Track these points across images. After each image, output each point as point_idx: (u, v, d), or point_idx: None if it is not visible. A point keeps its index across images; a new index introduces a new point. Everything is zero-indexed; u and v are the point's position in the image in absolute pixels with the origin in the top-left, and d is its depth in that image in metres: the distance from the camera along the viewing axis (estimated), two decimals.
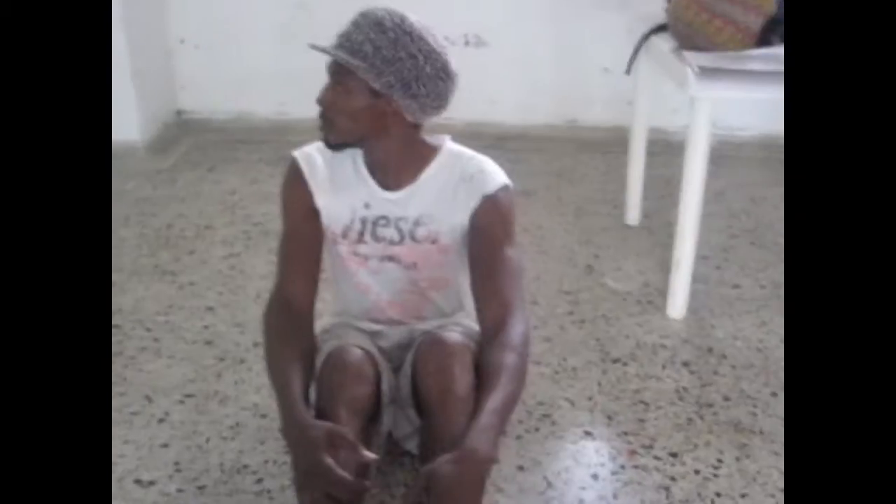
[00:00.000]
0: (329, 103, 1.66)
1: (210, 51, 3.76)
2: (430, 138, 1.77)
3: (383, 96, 1.62)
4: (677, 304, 2.46)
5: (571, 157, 3.55)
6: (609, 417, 2.09)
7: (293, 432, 1.55)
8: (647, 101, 2.88)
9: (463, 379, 1.61)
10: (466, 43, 3.63)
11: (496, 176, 1.75)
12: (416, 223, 1.76)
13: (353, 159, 1.77)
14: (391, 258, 1.79)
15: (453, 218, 1.74)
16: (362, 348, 1.72)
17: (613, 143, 3.62)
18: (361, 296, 1.85)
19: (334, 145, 1.71)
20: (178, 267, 2.77)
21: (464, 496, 1.45)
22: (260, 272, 2.72)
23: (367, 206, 1.76)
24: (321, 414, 1.61)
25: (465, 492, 1.45)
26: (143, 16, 3.52)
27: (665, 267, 2.68)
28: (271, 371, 1.69)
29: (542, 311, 2.50)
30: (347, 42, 1.59)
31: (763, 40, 2.19)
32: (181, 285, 2.67)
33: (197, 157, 3.58)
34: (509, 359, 1.59)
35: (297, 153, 1.79)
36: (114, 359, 2.30)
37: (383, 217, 1.77)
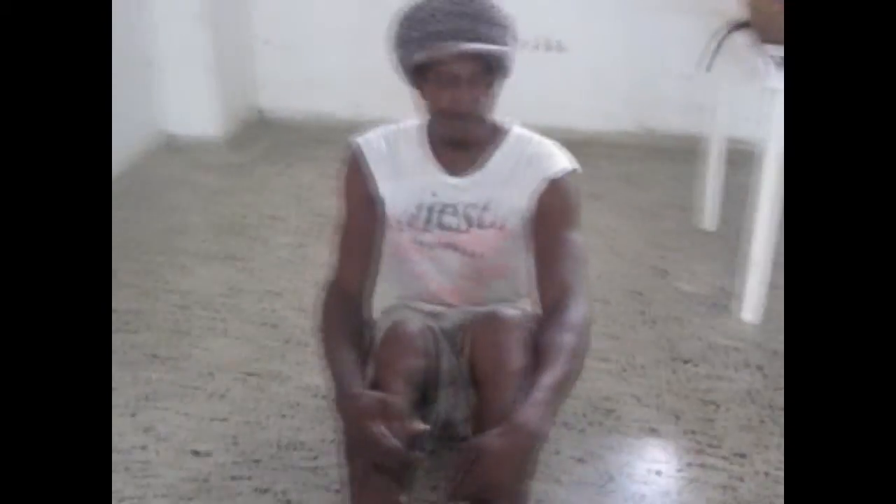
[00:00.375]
0: (477, 105, 1.63)
1: (290, 51, 3.82)
2: (499, 120, 1.75)
3: (506, 70, 1.64)
4: (751, 306, 2.37)
5: (641, 163, 3.48)
6: (676, 416, 2.01)
7: (344, 402, 1.53)
8: (726, 104, 2.80)
9: (516, 354, 1.58)
10: (537, 47, 3.60)
11: (561, 159, 1.72)
12: (485, 209, 1.73)
13: (415, 144, 1.75)
14: (454, 247, 1.76)
15: (517, 201, 1.71)
16: (420, 327, 1.69)
17: (685, 150, 3.52)
18: (419, 282, 1.82)
19: (470, 140, 1.70)
20: (245, 253, 2.79)
21: (510, 470, 1.41)
22: (325, 260, 2.70)
23: (433, 194, 1.74)
24: (376, 386, 1.58)
25: (511, 466, 1.41)
26: (227, 15, 3.59)
27: (740, 272, 2.59)
28: (325, 349, 1.68)
29: (611, 310, 2.44)
30: (476, 32, 1.55)
31: None
32: (247, 270, 2.68)
33: (274, 154, 3.62)
34: (567, 338, 1.55)
35: (360, 139, 1.77)
36: (175, 337, 2.33)
37: (450, 205, 1.74)
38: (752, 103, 2.56)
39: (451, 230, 1.75)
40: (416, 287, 1.83)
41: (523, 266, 1.80)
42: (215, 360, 2.23)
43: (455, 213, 1.74)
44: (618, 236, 2.89)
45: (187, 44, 3.47)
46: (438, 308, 1.81)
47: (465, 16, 1.56)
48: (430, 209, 1.75)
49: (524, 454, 1.43)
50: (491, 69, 1.60)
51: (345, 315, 1.72)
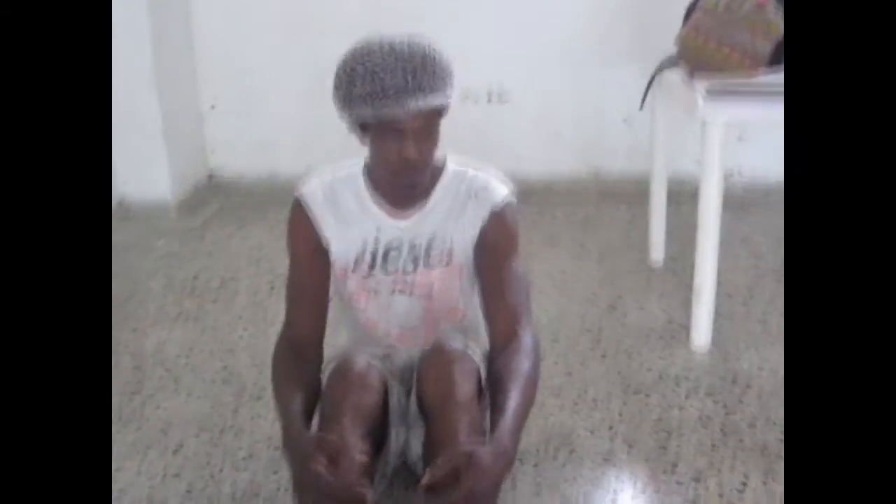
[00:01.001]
0: (427, 155, 1.64)
1: (239, 115, 3.87)
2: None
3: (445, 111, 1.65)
4: (700, 335, 2.41)
5: (595, 207, 3.55)
6: (630, 445, 2.03)
7: (288, 445, 1.57)
8: (665, 143, 2.88)
9: (464, 385, 1.60)
10: (489, 100, 3.68)
11: (500, 189, 1.76)
12: (430, 246, 1.75)
13: (354, 191, 1.76)
14: (402, 290, 1.78)
15: (464, 234, 1.74)
16: (370, 364, 1.71)
17: (636, 193, 3.59)
18: (368, 329, 1.84)
19: (419, 189, 1.72)
20: (201, 314, 2.79)
21: (491, 491, 1.45)
22: (282, 318, 2.72)
23: (377, 238, 1.76)
24: (326, 423, 1.59)
25: (493, 486, 1.45)
26: (174, 80, 3.64)
27: (689, 305, 2.64)
28: (275, 396, 1.72)
29: (562, 348, 2.46)
30: (421, 87, 1.55)
31: (773, 63, 2.20)
32: (203, 329, 2.68)
33: (226, 216, 3.64)
34: (524, 364, 1.61)
35: (302, 191, 1.79)
36: (131, 398, 2.31)
37: (395, 247, 1.76)
38: (692, 140, 2.63)
39: (398, 272, 1.77)
40: (366, 333, 1.85)
41: (473, 307, 1.83)
42: (170, 418, 2.21)
43: (400, 254, 1.76)
44: (570, 279, 2.93)
45: (137, 110, 3.51)
46: (386, 350, 1.83)
47: (408, 70, 1.55)
48: (374, 253, 1.77)
49: (502, 479, 1.48)
50: (434, 119, 1.62)
51: (295, 363, 1.75)
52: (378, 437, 1.67)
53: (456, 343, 1.69)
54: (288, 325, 1.83)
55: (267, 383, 2.31)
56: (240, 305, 2.83)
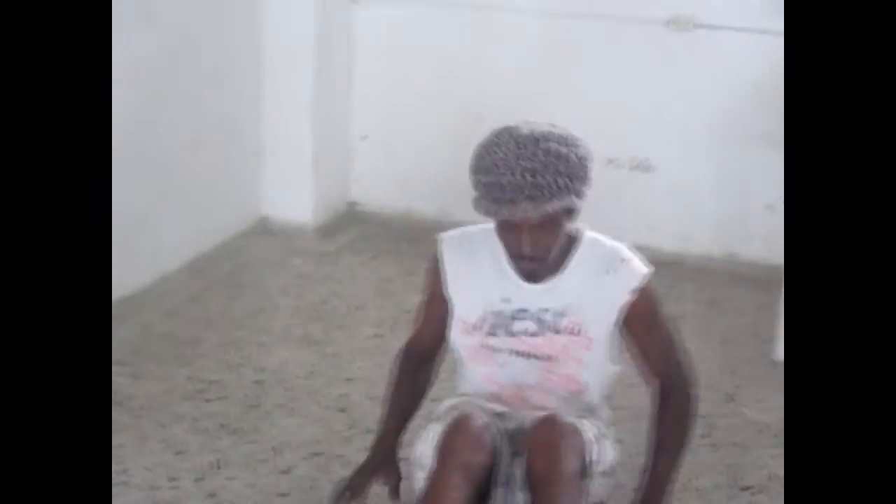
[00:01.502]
0: (543, 247, 1.67)
1: (386, 148, 4.00)
2: (571, 228, 1.79)
3: (578, 208, 1.68)
4: None
5: (725, 289, 3.48)
6: None
7: (376, 446, 1.88)
8: None
9: (570, 458, 1.63)
10: (632, 167, 3.69)
11: (638, 264, 1.79)
12: (561, 314, 1.77)
13: (491, 250, 1.79)
14: (523, 353, 1.80)
15: (600, 309, 1.77)
16: (485, 421, 1.74)
17: (770, 281, 3.53)
18: (483, 384, 1.87)
19: (539, 274, 1.75)
20: (326, 339, 2.89)
21: None
22: None
23: (506, 299, 1.78)
24: (434, 477, 1.64)
25: None
26: (329, 109, 3.81)
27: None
28: (386, 396, 1.95)
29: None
30: (533, 190, 1.57)
31: None
32: (325, 355, 2.78)
33: (361, 245, 3.76)
34: (675, 418, 1.82)
35: (444, 236, 1.86)
36: (248, 411, 2.42)
37: (523, 310, 1.78)
38: None
39: (521, 335, 1.79)
40: (481, 388, 1.88)
41: (597, 386, 1.86)
42: (284, 437, 2.31)
43: (527, 317, 1.78)
44: (692, 360, 2.88)
45: (291, 135, 3.69)
46: (503, 408, 1.86)
47: (528, 170, 1.57)
48: (499, 314, 1.79)
49: None
50: (555, 218, 1.64)
51: (413, 369, 1.92)
52: (481, 496, 1.71)
53: (569, 417, 1.71)
54: (413, 334, 1.97)
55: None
56: (363, 336, 2.92)
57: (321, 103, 3.72)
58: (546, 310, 1.78)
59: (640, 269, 1.78)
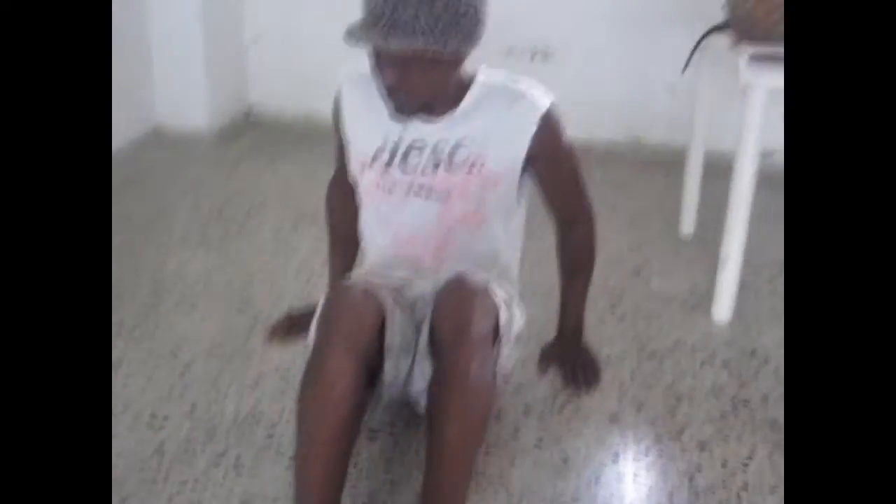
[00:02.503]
0: (397, 82, 1.55)
1: (282, 49, 3.85)
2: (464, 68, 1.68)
3: (456, 57, 1.57)
4: (722, 306, 2.36)
5: (631, 173, 3.49)
6: (638, 408, 2.00)
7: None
8: (707, 114, 2.81)
9: (480, 321, 1.56)
10: (533, 58, 3.62)
11: (543, 95, 1.71)
12: (457, 146, 1.68)
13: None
14: (418, 193, 1.72)
15: (504, 143, 1.68)
16: (367, 290, 1.64)
17: (675, 163, 3.54)
18: (381, 230, 1.81)
19: (413, 113, 1.64)
20: (226, 240, 2.79)
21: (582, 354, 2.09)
22: (305, 250, 2.72)
23: (400, 136, 1.70)
24: (316, 351, 1.57)
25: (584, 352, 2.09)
26: (219, 11, 3.62)
27: (715, 277, 2.59)
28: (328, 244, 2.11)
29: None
30: (394, 23, 1.46)
31: None
32: (226, 255, 2.69)
33: (260, 150, 3.63)
34: (579, 255, 1.97)
35: (341, 79, 1.79)
36: (146, 315, 2.33)
37: (419, 140, 1.69)
38: (733, 115, 2.56)
39: (417, 171, 1.71)
40: (381, 238, 1.82)
41: (502, 225, 1.79)
42: (182, 336, 2.23)
43: (421, 154, 1.70)
44: (599, 240, 2.88)
45: (181, 37, 3.50)
46: (403, 275, 1.79)
47: (399, 3, 1.46)
48: (394, 150, 1.71)
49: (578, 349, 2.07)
50: (416, 57, 1.50)
51: (341, 204, 1.97)
52: (372, 367, 1.64)
53: (478, 277, 1.66)
54: (333, 175, 1.99)
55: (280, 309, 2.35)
56: (263, 237, 2.83)
57: (211, 4, 3.53)
58: (439, 148, 1.69)
59: (544, 98, 1.70)
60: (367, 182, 1.78)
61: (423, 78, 1.56)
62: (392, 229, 1.79)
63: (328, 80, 3.76)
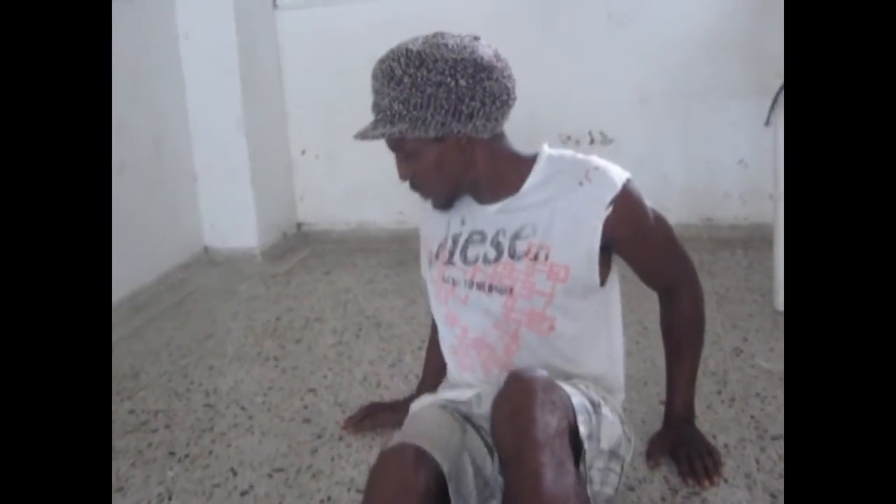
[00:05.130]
0: (408, 175, 1.50)
1: (329, 162, 3.74)
2: (525, 150, 1.54)
3: (445, 136, 1.43)
4: None
5: (709, 253, 3.24)
6: (773, 496, 1.70)
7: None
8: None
9: (544, 421, 1.26)
10: (592, 141, 3.46)
11: (616, 172, 1.50)
12: (517, 236, 1.50)
13: None
14: (482, 285, 1.53)
15: (573, 230, 1.48)
16: (419, 452, 1.38)
17: (754, 239, 3.31)
18: (449, 327, 1.61)
19: (444, 204, 1.55)
20: (283, 353, 2.59)
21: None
22: (369, 357, 2.50)
23: (462, 221, 1.57)
24: None
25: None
26: (260, 122, 3.53)
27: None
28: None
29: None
30: (379, 113, 1.45)
31: None
32: (283, 369, 2.47)
33: (313, 263, 3.48)
34: (682, 330, 1.75)
35: None
36: (200, 435, 2.11)
37: (478, 232, 1.54)
38: None
39: (478, 262, 1.54)
40: (453, 334, 1.61)
41: (585, 333, 1.55)
42: (242, 458, 1.99)
43: (483, 240, 1.54)
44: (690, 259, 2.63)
45: (225, 155, 3.41)
46: (471, 392, 1.55)
47: (373, 89, 1.46)
48: (456, 238, 1.57)
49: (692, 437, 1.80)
50: (405, 144, 1.45)
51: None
52: None
53: (540, 371, 1.38)
54: None
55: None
56: (324, 346, 2.62)
57: (252, 117, 3.44)
58: (501, 231, 1.52)
59: (618, 175, 1.50)
60: (433, 277, 1.63)
61: (426, 164, 1.46)
62: (459, 327, 1.59)
63: (377, 190, 3.68)
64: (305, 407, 2.23)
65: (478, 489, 1.42)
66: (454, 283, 1.57)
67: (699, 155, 3.42)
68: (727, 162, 3.38)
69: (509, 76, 1.45)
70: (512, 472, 1.24)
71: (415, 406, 1.64)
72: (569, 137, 3.44)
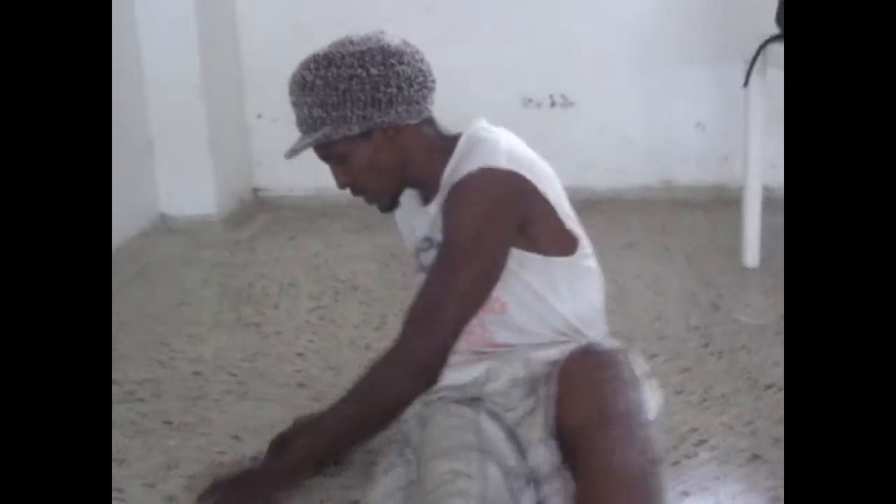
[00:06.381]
0: (346, 181, 1.49)
1: (287, 125, 3.66)
2: (453, 131, 1.52)
3: (371, 130, 1.43)
4: None
5: (672, 214, 3.32)
6: (776, 440, 1.77)
7: None
8: (762, 128, 2.65)
9: (623, 393, 1.30)
10: (553, 104, 3.48)
11: (477, 158, 1.42)
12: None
13: None
14: None
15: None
16: None
17: (710, 200, 3.40)
18: None
19: (390, 205, 1.54)
20: (263, 319, 2.55)
21: None
22: (352, 322, 2.49)
23: (415, 230, 1.59)
24: None
25: None
26: (218, 88, 3.44)
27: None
28: None
29: (672, 345, 2.22)
30: (302, 125, 1.47)
31: None
32: (267, 335, 2.44)
33: (276, 229, 3.42)
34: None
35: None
36: (194, 402, 2.06)
37: (427, 238, 1.54)
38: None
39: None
40: None
41: (541, 303, 1.51)
42: (242, 423, 1.96)
43: (431, 245, 1.53)
44: (661, 279, 2.69)
45: (182, 122, 3.31)
46: (477, 370, 1.54)
47: (291, 104, 1.48)
48: (416, 249, 1.58)
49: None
50: (335, 147, 1.45)
51: None
52: None
53: (608, 343, 1.40)
54: None
55: (346, 387, 2.09)
56: (304, 310, 2.59)
57: (210, 82, 3.34)
58: (436, 229, 1.50)
59: (477, 163, 1.41)
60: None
61: (360, 165, 1.45)
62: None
63: None
64: (298, 371, 2.21)
65: (510, 491, 1.36)
66: None
67: (658, 118, 3.48)
68: (685, 125, 3.46)
69: (422, 59, 1.47)
70: (589, 445, 1.24)
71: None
72: (530, 100, 3.45)
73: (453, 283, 1.37)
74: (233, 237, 3.30)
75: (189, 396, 2.09)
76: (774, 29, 2.46)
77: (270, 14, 3.55)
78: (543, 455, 1.38)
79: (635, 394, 1.33)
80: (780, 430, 1.80)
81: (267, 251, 3.16)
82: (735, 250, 2.81)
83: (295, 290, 2.76)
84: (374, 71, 1.40)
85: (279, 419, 1.95)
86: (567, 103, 3.48)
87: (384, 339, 2.33)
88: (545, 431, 1.37)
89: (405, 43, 1.46)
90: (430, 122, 1.50)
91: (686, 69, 3.40)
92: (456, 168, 1.46)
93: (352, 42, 1.43)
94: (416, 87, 1.43)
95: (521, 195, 1.42)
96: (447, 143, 1.49)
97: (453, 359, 1.47)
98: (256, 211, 3.60)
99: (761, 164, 2.69)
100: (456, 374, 1.52)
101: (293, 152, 1.48)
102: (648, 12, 3.37)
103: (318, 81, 1.41)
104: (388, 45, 1.42)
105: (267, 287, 2.79)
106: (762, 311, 2.41)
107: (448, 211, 1.42)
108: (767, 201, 2.73)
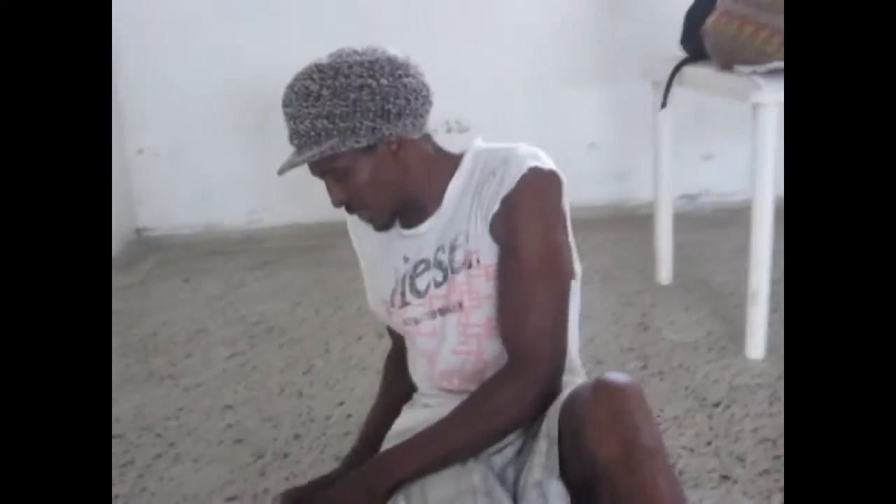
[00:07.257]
0: (344, 198, 1.38)
1: (171, 160, 3.47)
2: (453, 150, 1.47)
3: (376, 144, 1.34)
4: (758, 343, 2.23)
5: (575, 235, 3.33)
6: (740, 459, 1.79)
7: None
8: (670, 165, 2.71)
9: (648, 427, 1.21)
10: (449, 130, 3.46)
11: (524, 161, 1.37)
12: (453, 248, 1.41)
13: None
14: (442, 310, 1.42)
15: (478, 226, 1.38)
16: None
17: (610, 219, 3.47)
18: (423, 364, 1.50)
19: (388, 222, 1.44)
20: (177, 371, 2.37)
21: None
22: (277, 366, 2.36)
23: (405, 258, 1.45)
24: None
25: None
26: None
27: (720, 316, 2.47)
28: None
29: (611, 369, 2.21)
30: (300, 139, 1.33)
31: None
32: (187, 388, 2.27)
33: (167, 271, 3.22)
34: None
35: (350, 226, 1.55)
36: (122, 471, 1.89)
37: (422, 261, 1.43)
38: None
39: (430, 289, 1.42)
40: (426, 368, 1.49)
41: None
42: (182, 490, 1.80)
43: (428, 266, 1.43)
44: (582, 301, 2.68)
45: None
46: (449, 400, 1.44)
47: (289, 116, 1.34)
48: (404, 278, 1.45)
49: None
50: (337, 164, 1.34)
51: (395, 370, 1.60)
52: None
53: (625, 376, 1.29)
54: (393, 342, 1.66)
55: (289, 439, 1.98)
56: (220, 359, 2.44)
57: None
58: (441, 249, 1.42)
59: (526, 161, 1.37)
60: (395, 324, 1.51)
61: (361, 180, 1.36)
62: (428, 359, 1.48)
63: (224, 188, 3.47)
64: (230, 426, 2.06)
65: None
66: (416, 321, 1.45)
67: (553, 140, 3.51)
68: (579, 145, 3.51)
69: (423, 73, 1.40)
70: (617, 481, 1.17)
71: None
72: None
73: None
74: (122, 282, 3.08)
75: (115, 464, 1.91)
76: (663, 51, 2.55)
77: (150, 41, 3.36)
78: (536, 501, 1.33)
79: (656, 427, 1.29)
80: (741, 448, 1.83)
81: (163, 295, 2.97)
82: (645, 268, 2.87)
83: (205, 336, 2.60)
84: (384, 81, 1.32)
85: (224, 481, 1.83)
86: (462, 129, 3.47)
87: (317, 383, 2.25)
88: (544, 473, 1.32)
89: (407, 56, 1.39)
90: (428, 137, 1.42)
91: (576, 91, 3.46)
92: (476, 169, 1.41)
93: (355, 51, 1.35)
94: (420, 100, 1.36)
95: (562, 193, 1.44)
96: (447, 160, 1.43)
97: (443, 397, 1.44)
98: (143, 252, 3.39)
99: (671, 183, 2.75)
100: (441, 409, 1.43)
101: (291, 165, 1.34)
102: (538, 37, 3.42)
103: (325, 91, 1.30)
104: (395, 57, 1.35)
105: (173, 335, 2.61)
106: (689, 328, 2.45)
107: (515, 219, 1.34)
108: (675, 217, 2.79)
